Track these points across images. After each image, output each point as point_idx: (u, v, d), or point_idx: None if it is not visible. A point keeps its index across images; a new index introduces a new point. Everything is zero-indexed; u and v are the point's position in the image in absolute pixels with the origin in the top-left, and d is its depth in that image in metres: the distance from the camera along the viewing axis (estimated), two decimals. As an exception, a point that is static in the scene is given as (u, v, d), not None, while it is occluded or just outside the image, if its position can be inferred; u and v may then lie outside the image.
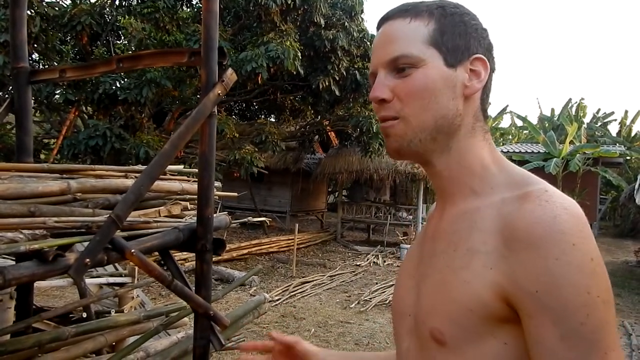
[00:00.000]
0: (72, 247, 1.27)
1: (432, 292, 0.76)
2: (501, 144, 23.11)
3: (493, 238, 0.70)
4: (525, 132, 24.82)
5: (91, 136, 7.82)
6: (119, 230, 1.31)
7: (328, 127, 12.84)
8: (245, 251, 9.77)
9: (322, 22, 9.71)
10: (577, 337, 0.63)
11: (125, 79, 8.27)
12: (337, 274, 8.83)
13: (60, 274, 1.13)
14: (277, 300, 6.46)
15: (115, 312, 2.45)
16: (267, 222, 3.53)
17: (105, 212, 1.49)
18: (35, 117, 12.12)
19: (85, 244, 1.21)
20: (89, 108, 9.73)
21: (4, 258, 2.00)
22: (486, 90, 0.80)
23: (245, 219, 2.33)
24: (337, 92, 10.11)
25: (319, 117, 12.64)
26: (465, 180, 0.79)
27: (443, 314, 0.72)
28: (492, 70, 0.80)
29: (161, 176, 1.77)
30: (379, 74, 0.79)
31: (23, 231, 1.24)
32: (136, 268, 3.19)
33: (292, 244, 9.53)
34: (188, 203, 1.93)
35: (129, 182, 1.64)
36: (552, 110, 23.85)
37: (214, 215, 1.60)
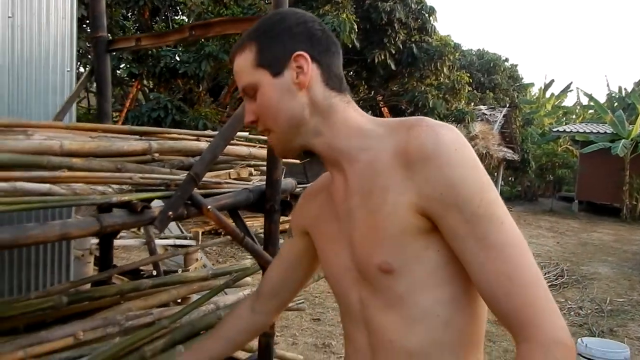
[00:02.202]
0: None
1: (366, 237, 0.86)
2: (564, 123, 22.06)
3: (395, 171, 0.82)
4: (590, 111, 23.57)
5: (153, 108, 8.12)
6: (196, 188, 1.40)
7: (381, 103, 12.71)
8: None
9: (379, -7, 9.55)
10: (477, 217, 0.77)
11: (185, 53, 8.49)
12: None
13: (146, 224, 1.23)
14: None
15: (181, 272, 2.61)
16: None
17: (181, 172, 1.59)
18: (99, 91, 12.66)
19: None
20: (150, 82, 10.08)
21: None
22: (325, 70, 0.89)
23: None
24: (392, 66, 9.97)
25: (373, 92, 12.53)
26: (351, 147, 0.89)
27: (383, 247, 0.84)
28: (327, 50, 0.90)
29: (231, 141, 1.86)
30: (245, 101, 0.93)
31: (112, 185, 1.35)
32: (200, 232, 3.35)
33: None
34: (253, 169, 2.01)
35: (202, 144, 1.72)
36: (620, 88, 22.42)
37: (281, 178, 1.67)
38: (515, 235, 0.78)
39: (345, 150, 0.90)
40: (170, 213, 1.26)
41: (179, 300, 2.23)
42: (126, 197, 1.24)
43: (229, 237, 3.40)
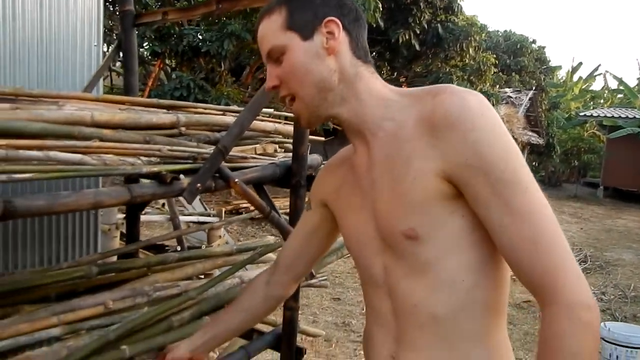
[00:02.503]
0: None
1: (390, 205, 0.87)
2: (591, 107, 21.51)
3: (420, 138, 0.82)
4: (619, 95, 22.90)
5: (176, 87, 8.16)
6: (223, 162, 1.41)
7: (404, 85, 12.57)
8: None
9: (404, -28, 9.37)
10: (502, 182, 0.77)
11: (207, 32, 8.49)
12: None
13: (175, 195, 1.24)
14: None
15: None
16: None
17: (208, 147, 1.59)
18: (121, 71, 12.79)
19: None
20: (172, 60, 10.12)
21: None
22: (353, 39, 0.90)
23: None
24: (416, 47, 9.83)
25: (395, 73, 12.38)
26: (375, 116, 0.89)
27: (407, 214, 0.84)
28: (356, 20, 0.90)
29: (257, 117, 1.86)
30: (267, 66, 0.93)
31: (141, 157, 1.36)
32: (223, 210, 3.38)
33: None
34: (277, 146, 2.01)
35: (229, 119, 1.72)
36: (652, 71, 21.66)
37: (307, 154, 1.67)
38: (540, 201, 0.78)
39: (370, 120, 0.90)
40: (199, 185, 1.27)
41: (202, 276, 2.27)
42: (156, 169, 1.25)
43: (252, 213, 3.44)
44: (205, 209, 3.63)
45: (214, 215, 3.42)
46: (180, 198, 3.56)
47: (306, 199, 1.18)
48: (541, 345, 0.75)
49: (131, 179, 1.52)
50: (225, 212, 6.09)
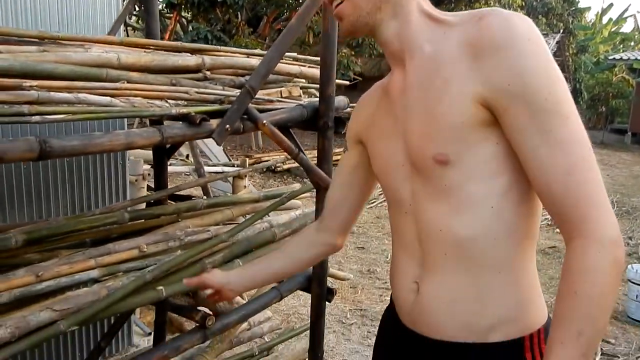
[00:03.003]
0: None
1: (422, 129, 0.85)
2: (621, 50, 20.64)
3: (461, 61, 0.79)
4: (651, 37, 21.91)
5: (193, 39, 8.06)
6: (250, 104, 1.39)
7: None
8: (337, 157, 9.91)
9: None
10: (543, 111, 0.75)
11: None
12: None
13: (205, 137, 1.23)
14: (372, 202, 6.62)
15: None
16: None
17: (234, 90, 1.57)
18: (137, 25, 12.66)
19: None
20: (188, 12, 9.95)
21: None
22: None
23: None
24: (438, -9, 9.44)
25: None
26: (418, 37, 0.86)
27: (439, 138, 0.82)
28: None
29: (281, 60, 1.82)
30: None
31: (168, 100, 1.35)
32: (247, 160, 3.39)
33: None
34: (301, 91, 1.98)
35: (253, 61, 1.69)
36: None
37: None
38: (580, 133, 0.76)
39: (412, 41, 0.87)
40: (228, 126, 1.26)
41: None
42: (185, 110, 1.24)
43: (277, 160, 3.43)
44: (229, 159, 3.65)
45: (237, 166, 3.43)
46: (204, 150, 3.58)
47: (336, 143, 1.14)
48: (566, 278, 0.74)
49: (158, 122, 1.51)
50: (249, 164, 6.13)
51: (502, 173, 0.82)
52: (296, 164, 8.83)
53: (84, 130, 2.02)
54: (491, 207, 0.82)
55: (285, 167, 8.24)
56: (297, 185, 2.36)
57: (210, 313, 1.50)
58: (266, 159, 8.21)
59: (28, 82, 1.06)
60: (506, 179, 0.82)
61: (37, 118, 0.99)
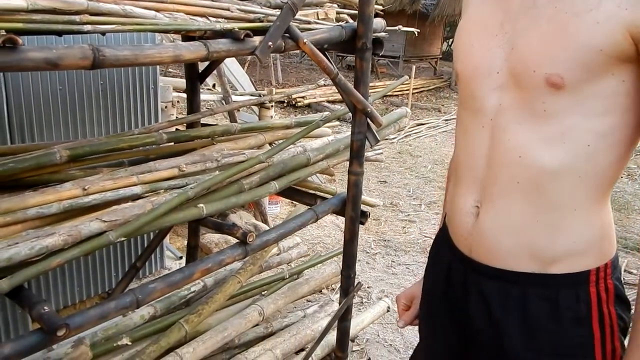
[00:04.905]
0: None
1: (545, 41, 0.74)
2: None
3: None
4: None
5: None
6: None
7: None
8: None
9: None
10: None
11: None
12: (452, 118, 8.66)
13: (249, 53, 1.23)
14: (393, 138, 6.59)
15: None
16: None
17: (273, 10, 1.55)
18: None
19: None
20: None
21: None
22: None
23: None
24: None
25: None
26: None
27: (563, 58, 0.72)
28: None
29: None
30: None
31: (209, 17, 1.34)
32: (273, 90, 3.37)
33: (405, 89, 9.36)
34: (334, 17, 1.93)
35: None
36: None
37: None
38: None
39: None
40: (270, 43, 1.25)
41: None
42: (229, 26, 1.23)
43: (300, 92, 3.39)
44: (256, 89, 3.64)
45: (264, 95, 3.42)
46: (231, 79, 3.53)
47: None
48: None
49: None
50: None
51: (612, 112, 0.74)
52: (317, 99, 8.69)
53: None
54: (587, 146, 0.75)
55: (307, 102, 8.19)
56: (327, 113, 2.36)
57: (252, 230, 1.56)
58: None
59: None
60: (614, 119, 0.75)
61: (88, 27, 0.99)
